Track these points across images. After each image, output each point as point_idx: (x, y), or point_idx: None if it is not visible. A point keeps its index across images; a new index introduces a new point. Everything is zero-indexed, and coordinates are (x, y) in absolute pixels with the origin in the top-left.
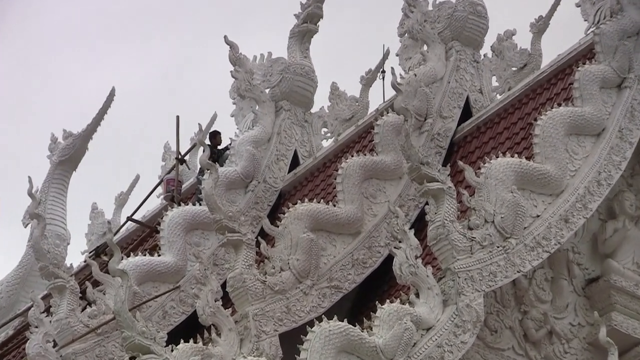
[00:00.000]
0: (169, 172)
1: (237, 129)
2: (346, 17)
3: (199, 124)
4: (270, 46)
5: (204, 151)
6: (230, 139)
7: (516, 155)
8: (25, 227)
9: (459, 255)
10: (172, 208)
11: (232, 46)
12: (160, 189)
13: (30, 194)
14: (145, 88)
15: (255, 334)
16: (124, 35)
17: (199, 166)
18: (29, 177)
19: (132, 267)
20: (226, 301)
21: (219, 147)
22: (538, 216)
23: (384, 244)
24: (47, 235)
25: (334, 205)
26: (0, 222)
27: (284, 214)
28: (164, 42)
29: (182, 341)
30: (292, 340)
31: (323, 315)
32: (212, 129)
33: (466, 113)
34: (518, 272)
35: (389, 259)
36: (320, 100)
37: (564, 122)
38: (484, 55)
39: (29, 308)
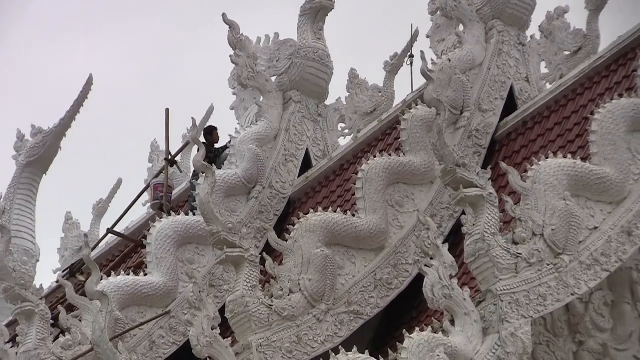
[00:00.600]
0: (156, 176)
1: (238, 124)
2: None
3: (192, 118)
4: (277, 26)
5: (198, 150)
6: (230, 136)
7: (569, 156)
8: None
9: (501, 275)
10: (160, 218)
11: (232, 26)
12: (146, 196)
13: None
14: (128, 76)
15: None
16: (103, 14)
17: (192, 168)
18: None
19: (114, 289)
20: (225, 329)
21: (217, 146)
22: (596, 228)
23: (412, 262)
24: (13, 250)
25: (353, 215)
26: None
27: (293, 225)
28: (151, 21)
29: None
30: None
31: (340, 346)
32: (207, 124)
33: (510, 105)
34: (572, 294)
35: (419, 279)
36: (337, 91)
37: (626, 117)
38: (531, 37)
39: None
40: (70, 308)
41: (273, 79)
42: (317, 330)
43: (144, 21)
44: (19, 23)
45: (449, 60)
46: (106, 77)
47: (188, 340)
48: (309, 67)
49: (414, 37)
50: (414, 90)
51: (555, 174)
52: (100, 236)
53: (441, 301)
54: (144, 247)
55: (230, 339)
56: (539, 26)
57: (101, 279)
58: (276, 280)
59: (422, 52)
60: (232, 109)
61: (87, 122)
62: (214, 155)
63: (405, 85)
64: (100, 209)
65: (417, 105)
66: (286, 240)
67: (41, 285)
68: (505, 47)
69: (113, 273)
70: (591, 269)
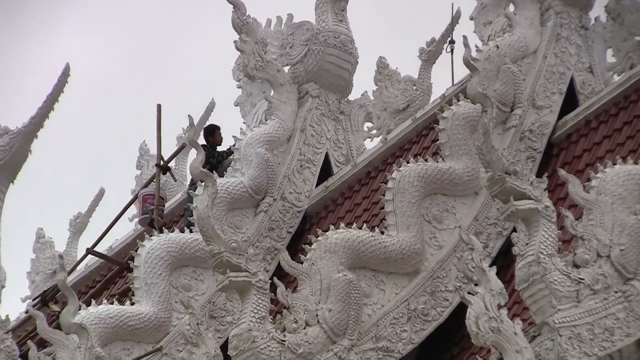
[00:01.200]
0: (146, 185)
1: (244, 123)
2: None
3: (189, 115)
4: (291, 6)
5: (196, 154)
6: (234, 137)
7: None
8: None
9: (560, 304)
10: (150, 236)
11: (237, 5)
12: (134, 209)
13: None
14: (112, 65)
15: None
16: None
17: (189, 176)
18: None
19: (94, 321)
20: None
21: (218, 149)
22: None
23: (453, 289)
24: None
25: (382, 233)
26: None
27: (310, 244)
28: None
29: None
30: None
31: None
32: (208, 123)
33: (570, 101)
34: None
35: (461, 309)
36: (363, 83)
37: None
38: (596, 20)
39: None
40: (42, 343)
41: (286, 69)
42: None
43: (132, 0)
44: None
45: (497, 47)
46: (86, 67)
47: None
48: (328, 54)
49: (455, 19)
50: (454, 82)
51: (625, 183)
52: (79, 257)
53: (487, 336)
54: (130, 270)
55: None
56: (605, 6)
57: (79, 309)
58: (289, 310)
59: (464, 37)
60: (236, 105)
61: (63, 121)
62: (216, 161)
63: (444, 76)
64: (79, 224)
65: (458, 100)
66: (302, 263)
67: (7, 316)
68: (565, 31)
69: (93, 302)
70: None
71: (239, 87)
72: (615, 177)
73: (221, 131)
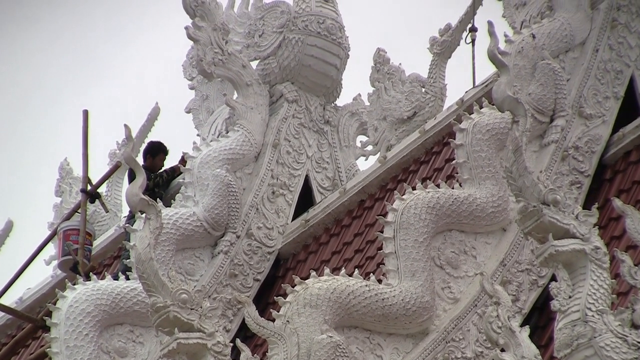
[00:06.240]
0: (68, 217)
1: (198, 135)
2: None
3: (125, 125)
4: None
5: (132, 178)
6: (185, 154)
7: None
8: None
9: None
10: (74, 284)
11: None
12: (52, 248)
13: None
14: (25, 59)
15: None
16: None
17: (125, 206)
18: None
19: None
20: None
21: (163, 171)
22: None
23: (472, 355)
24: None
25: (379, 282)
26: None
27: (285, 296)
28: None
29: None
30: None
31: None
32: (151, 139)
33: (630, 108)
34: None
35: None
36: (355, 84)
37: None
38: None
39: None
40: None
41: (254, 64)
42: None
43: None
44: None
45: (533, 37)
46: None
47: None
48: (310, 45)
49: (478, 1)
50: (476, 84)
51: None
52: None
53: None
54: (47, 329)
55: None
56: None
57: None
58: None
59: (489, 23)
60: (188, 112)
61: None
62: (159, 185)
63: (463, 76)
64: None
65: (481, 107)
66: (273, 320)
67: None
68: (622, 16)
69: None
70: None
71: (191, 88)
72: None
73: (166, 149)
